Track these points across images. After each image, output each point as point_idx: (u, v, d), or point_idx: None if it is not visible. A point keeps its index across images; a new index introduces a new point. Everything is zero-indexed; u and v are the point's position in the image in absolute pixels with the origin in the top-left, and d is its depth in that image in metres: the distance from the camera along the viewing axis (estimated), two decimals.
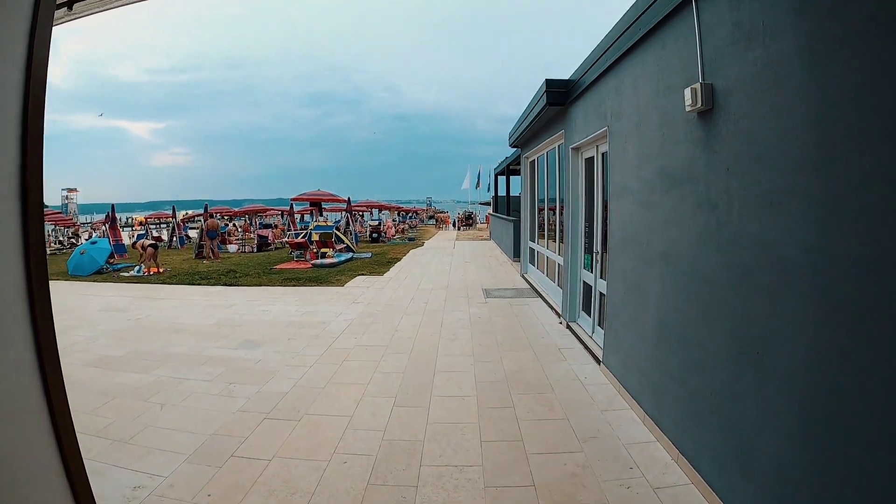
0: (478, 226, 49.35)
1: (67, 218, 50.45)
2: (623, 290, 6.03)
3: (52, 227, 46.55)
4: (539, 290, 12.28)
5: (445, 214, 58.69)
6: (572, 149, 8.80)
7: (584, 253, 8.50)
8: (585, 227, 8.47)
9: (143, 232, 41.73)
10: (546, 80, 9.08)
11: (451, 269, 17.48)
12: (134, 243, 24.62)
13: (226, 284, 15.35)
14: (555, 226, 11.50)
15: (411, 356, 7.73)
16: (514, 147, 16.93)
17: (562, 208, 10.42)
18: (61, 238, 39.76)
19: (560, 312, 9.61)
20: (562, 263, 10.16)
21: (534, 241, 14.46)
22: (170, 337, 9.20)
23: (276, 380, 6.81)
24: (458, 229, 44.84)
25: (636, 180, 5.53)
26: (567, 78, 8.79)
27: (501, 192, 30.67)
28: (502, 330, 9.16)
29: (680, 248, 4.45)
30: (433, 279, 15.34)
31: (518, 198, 27.00)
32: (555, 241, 11.24)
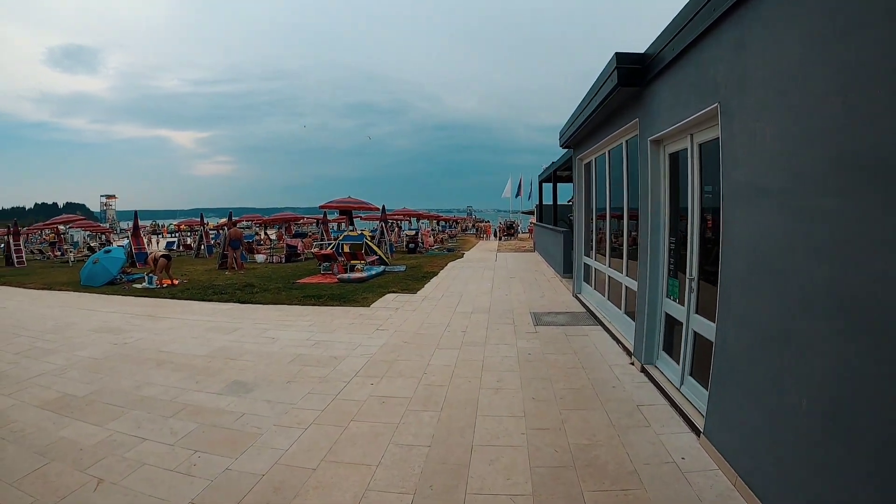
0: (520, 236, 47.99)
1: (97, 224, 50.72)
2: (750, 340, 4.13)
3: (85, 233, 46.85)
4: (598, 315, 10.38)
5: (486, 224, 57.15)
6: (651, 141, 6.92)
7: (669, 277, 6.64)
8: (671, 242, 6.61)
9: (175, 240, 41.36)
10: (616, 53, 7.28)
11: (493, 287, 15.51)
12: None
13: (239, 301, 14.00)
14: (618, 239, 9.66)
15: (442, 416, 5.84)
16: (565, 147, 14.91)
17: (632, 218, 8.67)
18: (92, 244, 39.39)
19: (631, 350, 7.73)
20: (631, 286, 8.35)
21: (590, 257, 12.49)
22: (149, 372, 7.84)
23: (255, 450, 5.10)
24: (500, 239, 43.41)
25: (783, 176, 3.66)
26: (643, 52, 6.98)
27: (547, 200, 28.84)
28: (560, 373, 7.24)
29: (884, 291, 2.63)
30: (473, 299, 13.44)
31: (566, 206, 25.25)
32: (620, 259, 9.34)
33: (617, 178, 9.64)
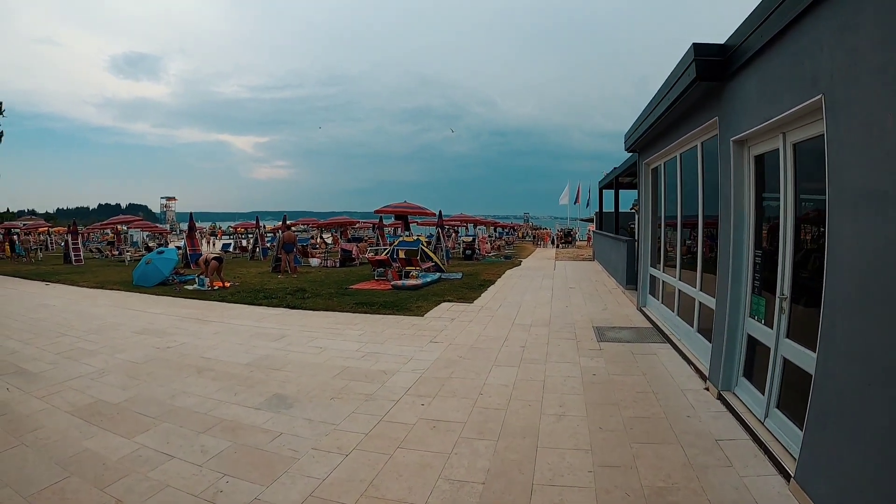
0: (577, 243, 47.24)
1: (155, 224, 51.85)
2: (861, 375, 3.51)
3: (144, 233, 47.88)
4: (667, 332, 9.73)
5: (544, 231, 56.36)
6: (734, 142, 6.29)
7: (753, 294, 6.01)
8: (756, 256, 5.98)
9: (231, 242, 41.82)
10: (694, 44, 6.66)
11: (552, 297, 14.91)
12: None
13: (289, 306, 13.76)
14: (691, 250, 9.02)
15: (498, 447, 5.26)
16: (630, 151, 14.20)
17: (707, 226, 8.04)
18: (151, 244, 40.16)
19: (706, 374, 7.07)
20: (706, 302, 7.71)
21: (657, 268, 11.81)
22: (187, 379, 7.60)
23: (288, 477, 4.67)
24: (557, 247, 42.69)
25: None
26: (724, 42, 6.37)
27: (608, 207, 28.07)
28: (628, 398, 6.63)
29: None
30: (532, 310, 12.87)
31: (628, 214, 24.49)
32: (693, 271, 8.68)
33: (690, 184, 8.99)
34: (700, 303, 8.24)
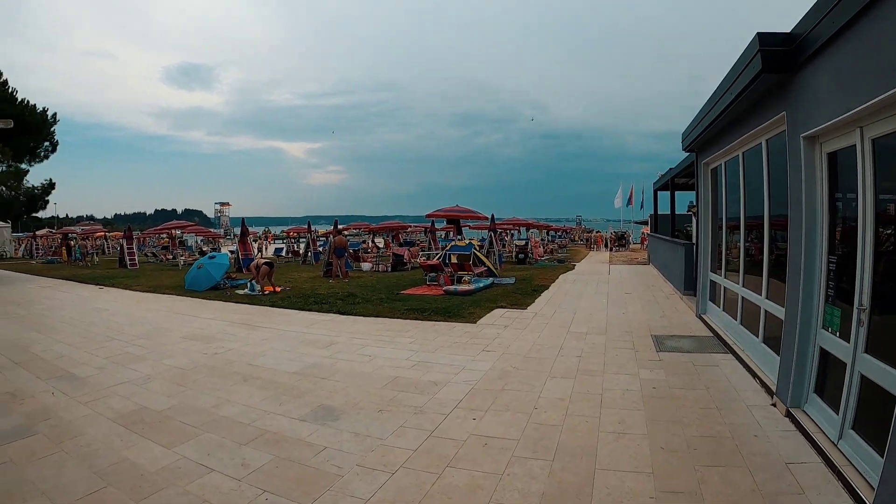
0: (631, 246, 46.64)
1: (208, 229, 52.89)
2: None
3: (198, 238, 48.76)
4: (729, 341, 9.28)
5: (598, 234, 55.59)
6: (805, 138, 5.91)
7: (827, 304, 5.64)
8: (830, 262, 5.61)
9: (283, 246, 42.31)
10: (758, 33, 6.28)
11: (608, 303, 14.53)
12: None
13: (339, 312, 13.71)
14: (755, 255, 8.60)
15: (554, 468, 4.97)
16: (688, 151, 13.69)
17: (774, 228, 7.64)
18: (205, 249, 40.86)
19: (773, 389, 6.68)
20: (772, 311, 7.31)
21: (717, 273, 11.31)
22: (233, 388, 7.56)
23: (330, 496, 4.48)
24: (611, 250, 41.97)
25: None
26: (790, 31, 5.99)
27: (663, 209, 27.39)
28: (691, 414, 6.26)
29: None
30: (587, 317, 12.52)
31: (685, 216, 23.88)
32: (758, 277, 8.25)
33: (754, 185, 8.57)
34: (766, 311, 7.82)
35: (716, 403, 6.58)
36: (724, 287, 10.52)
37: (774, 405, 6.43)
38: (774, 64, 6.22)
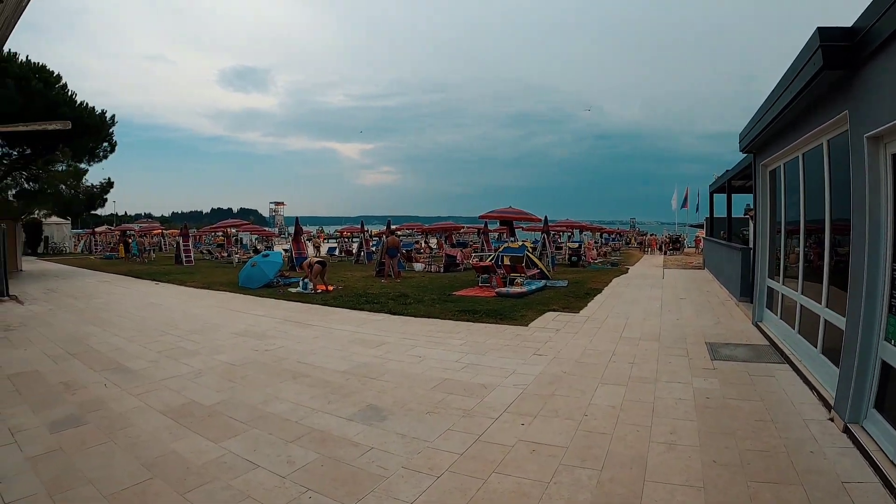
0: (685, 250, 45.71)
1: (262, 228, 53.91)
2: None
3: (253, 236, 49.66)
4: (786, 351, 8.91)
5: (651, 237, 54.81)
6: (869, 138, 5.63)
7: (890, 314, 5.38)
8: (894, 270, 5.35)
9: (335, 246, 42.65)
10: (818, 28, 6.04)
11: (662, 309, 14.16)
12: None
13: (390, 312, 13.69)
14: (815, 261, 8.30)
15: (602, 478, 4.79)
16: (746, 152, 13.21)
17: (834, 233, 7.29)
18: (259, 247, 41.58)
19: (830, 402, 6.36)
20: (832, 321, 6.98)
21: (775, 280, 10.90)
22: (282, 384, 7.61)
23: (374, 497, 4.42)
24: (665, 253, 41.36)
25: None
26: (851, 25, 5.75)
27: (719, 212, 26.74)
28: (745, 427, 5.99)
29: None
30: (640, 323, 12.22)
31: (741, 219, 23.33)
32: (818, 284, 7.94)
33: (814, 187, 8.23)
34: (825, 321, 7.50)
35: (771, 416, 6.31)
36: (782, 294, 10.14)
37: (832, 420, 6.13)
38: (836, 60, 5.94)
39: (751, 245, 14.75)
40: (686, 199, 46.25)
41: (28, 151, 26.71)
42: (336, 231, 68.85)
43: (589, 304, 14.81)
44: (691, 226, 52.70)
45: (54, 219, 44.01)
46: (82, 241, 55.11)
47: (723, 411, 6.47)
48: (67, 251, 50.33)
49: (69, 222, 52.46)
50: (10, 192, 28.92)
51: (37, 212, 31.78)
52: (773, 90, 8.88)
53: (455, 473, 4.85)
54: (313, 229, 71.68)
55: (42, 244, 48.46)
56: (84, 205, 30.37)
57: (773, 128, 9.56)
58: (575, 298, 15.81)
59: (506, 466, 4.99)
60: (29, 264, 32.43)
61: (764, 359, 8.92)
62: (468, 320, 12.49)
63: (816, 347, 7.78)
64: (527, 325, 11.82)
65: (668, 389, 7.30)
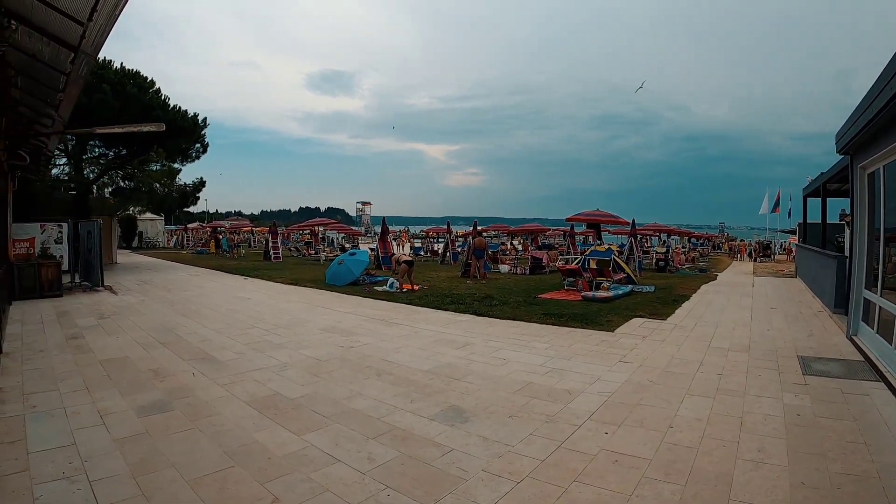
0: (776, 257, 43.92)
1: (349, 227, 54.98)
2: None
3: (340, 235, 50.67)
4: (882, 368, 8.34)
5: (741, 243, 52.99)
6: None
7: None
8: None
9: (420, 246, 42.99)
10: None
11: (752, 319, 13.57)
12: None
13: (476, 313, 13.64)
14: None
15: (686, 494, 4.55)
16: (843, 153, 12.51)
17: None
18: (346, 245, 42.35)
19: None
20: None
21: (873, 291, 10.22)
22: (366, 381, 7.69)
23: (452, 499, 4.37)
24: (755, 260, 39.95)
25: None
26: None
27: (813, 217, 25.45)
28: (836, 448, 5.61)
29: None
30: (729, 332, 11.73)
31: (837, 225, 22.26)
32: None
33: None
34: None
35: (864, 438, 5.90)
36: (880, 307, 9.56)
37: None
38: None
39: (846, 253, 14.05)
40: (777, 203, 44.68)
41: (124, 152, 28.16)
42: (421, 231, 69.47)
43: (677, 311, 14.43)
44: (783, 231, 50.85)
45: (148, 215, 45.94)
46: (175, 237, 57.40)
47: (813, 430, 6.12)
48: (160, 246, 52.40)
49: (162, 218, 54.82)
50: (106, 190, 30.45)
51: (132, 208, 33.15)
52: (871, 87, 8.42)
53: (535, 480, 4.75)
54: (398, 229, 72.52)
55: (136, 239, 50.87)
56: (177, 202, 31.59)
57: (872, 127, 9.02)
58: (662, 305, 15.45)
59: (587, 476, 4.86)
60: (123, 257, 34.13)
61: (858, 376, 8.42)
62: (553, 324, 12.32)
63: None
64: (613, 331, 11.57)
65: (757, 404, 6.98)
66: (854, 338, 10.67)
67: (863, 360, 9.32)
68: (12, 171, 15.06)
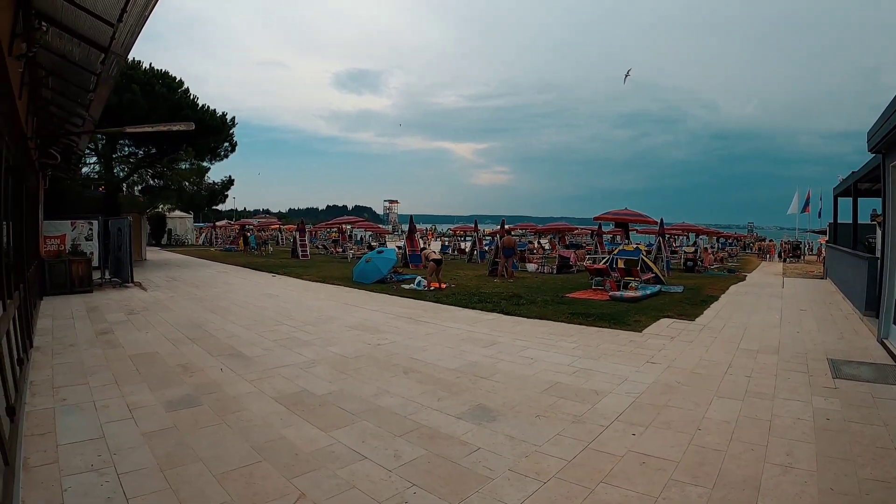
0: (806, 258, 43.48)
1: (376, 225, 55.24)
2: None
3: (367, 233, 50.89)
4: None
5: (770, 243, 52.30)
6: None
7: None
8: None
9: (446, 244, 43.07)
10: None
11: (781, 320, 13.37)
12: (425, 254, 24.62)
13: (503, 312, 13.60)
14: None
15: (713, 498, 4.48)
16: (874, 151, 12.26)
17: None
18: (373, 243, 42.57)
19: None
20: None
21: None
22: (393, 379, 7.72)
23: (478, 499, 4.37)
24: (784, 261, 39.57)
25: None
26: None
27: (844, 217, 24.94)
28: (866, 454, 5.50)
29: None
30: (759, 334, 11.57)
31: (868, 226, 21.83)
32: None
33: None
34: None
35: (894, 443, 5.79)
36: None
37: None
38: None
39: (877, 254, 13.80)
40: (807, 202, 44.11)
41: (153, 151, 28.57)
42: (448, 229, 69.57)
43: (705, 312, 14.28)
44: (813, 231, 50.18)
45: (177, 213, 46.43)
46: (203, 234, 58.02)
47: (843, 435, 6.01)
48: (189, 243, 52.94)
49: (191, 216, 55.47)
50: (136, 188, 30.88)
51: (161, 206, 33.55)
52: None
53: (562, 480, 4.73)
54: (425, 227, 72.70)
55: (166, 236, 51.46)
56: (206, 200, 31.90)
57: None
58: (691, 305, 15.28)
59: (614, 477, 4.83)
60: (153, 254, 34.72)
61: (889, 380, 8.24)
62: (581, 323, 12.26)
63: None
64: (640, 332, 11.50)
65: (785, 407, 6.87)
66: (885, 341, 10.48)
67: (894, 364, 9.17)
68: (43, 170, 15.33)
